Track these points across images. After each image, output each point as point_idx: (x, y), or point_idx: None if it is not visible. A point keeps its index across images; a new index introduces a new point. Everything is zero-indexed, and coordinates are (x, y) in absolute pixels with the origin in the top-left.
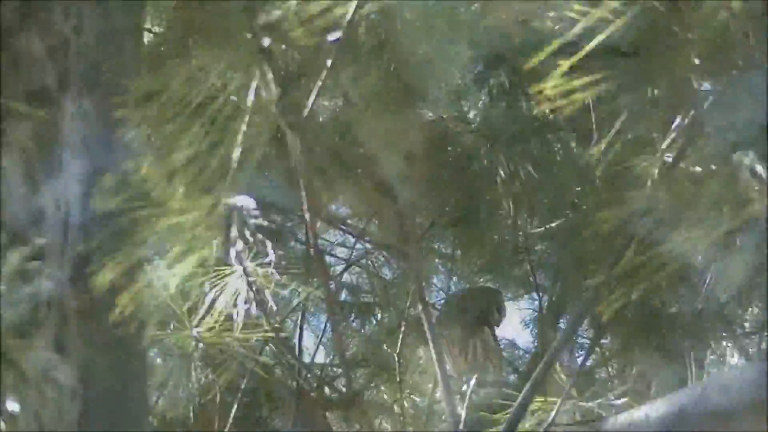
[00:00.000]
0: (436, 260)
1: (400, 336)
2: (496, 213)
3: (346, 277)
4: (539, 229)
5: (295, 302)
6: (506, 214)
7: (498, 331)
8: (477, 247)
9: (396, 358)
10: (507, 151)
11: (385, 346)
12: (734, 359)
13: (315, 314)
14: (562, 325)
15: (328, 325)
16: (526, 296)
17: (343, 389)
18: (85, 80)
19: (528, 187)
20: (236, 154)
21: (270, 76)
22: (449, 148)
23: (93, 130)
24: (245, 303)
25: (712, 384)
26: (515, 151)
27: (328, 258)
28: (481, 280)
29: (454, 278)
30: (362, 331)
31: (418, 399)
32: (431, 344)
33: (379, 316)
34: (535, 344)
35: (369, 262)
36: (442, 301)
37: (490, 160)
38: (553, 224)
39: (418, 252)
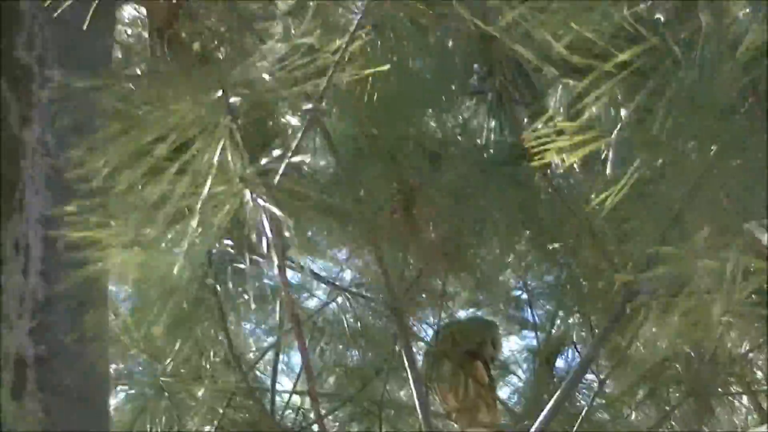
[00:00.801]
0: (424, 295)
1: (384, 374)
2: (489, 244)
3: (328, 310)
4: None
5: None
6: (501, 246)
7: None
8: (468, 280)
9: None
10: (500, 179)
11: (366, 386)
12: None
13: (291, 353)
14: (559, 363)
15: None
16: (519, 332)
17: None
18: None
19: (523, 216)
20: (195, 222)
21: (237, 138)
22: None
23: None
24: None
25: None
26: (509, 180)
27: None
28: (473, 311)
29: (444, 313)
30: (342, 367)
31: None
32: (413, 385)
33: (360, 352)
34: (527, 383)
35: (348, 303)
36: (432, 334)
37: (483, 188)
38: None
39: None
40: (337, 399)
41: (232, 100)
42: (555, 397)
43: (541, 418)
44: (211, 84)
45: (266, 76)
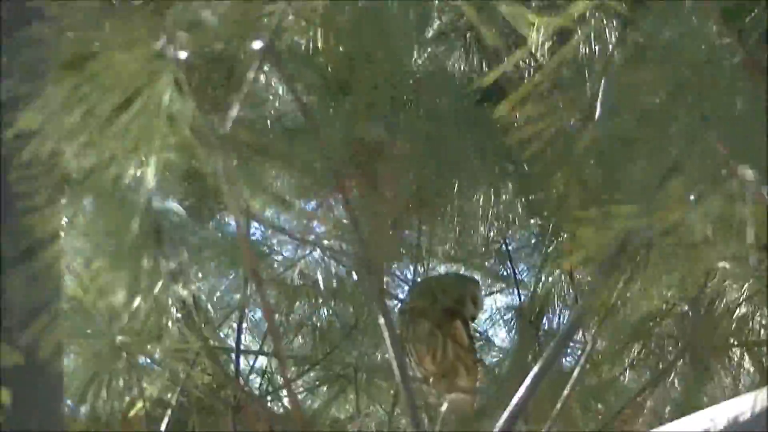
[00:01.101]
0: (400, 249)
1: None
2: (471, 193)
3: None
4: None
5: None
6: (484, 195)
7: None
8: (446, 232)
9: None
10: (478, 121)
11: (336, 347)
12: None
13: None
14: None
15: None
16: (502, 290)
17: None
18: None
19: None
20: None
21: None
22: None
23: None
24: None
25: (719, 416)
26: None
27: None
28: (453, 268)
29: (421, 268)
30: (312, 328)
31: (377, 411)
32: (389, 346)
33: (331, 311)
34: (513, 344)
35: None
36: (407, 291)
37: (459, 131)
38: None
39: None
40: (306, 361)
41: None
42: (542, 358)
43: (527, 382)
44: (154, 29)
45: (214, 16)
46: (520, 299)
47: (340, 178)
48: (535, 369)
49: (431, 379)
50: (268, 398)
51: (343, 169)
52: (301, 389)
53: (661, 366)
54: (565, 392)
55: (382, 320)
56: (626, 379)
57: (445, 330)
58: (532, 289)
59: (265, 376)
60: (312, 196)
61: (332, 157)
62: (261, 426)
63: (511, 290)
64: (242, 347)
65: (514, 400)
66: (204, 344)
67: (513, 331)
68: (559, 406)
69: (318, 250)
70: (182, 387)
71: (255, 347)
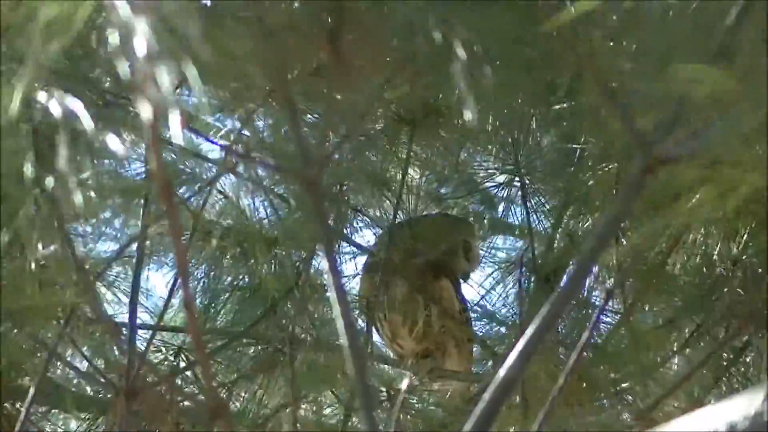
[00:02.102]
0: (364, 177)
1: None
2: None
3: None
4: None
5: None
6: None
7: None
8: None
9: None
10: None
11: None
12: None
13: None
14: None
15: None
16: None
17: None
18: None
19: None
20: None
21: None
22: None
23: None
24: None
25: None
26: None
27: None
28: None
29: (399, 206)
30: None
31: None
32: (339, 316)
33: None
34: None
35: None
36: (376, 238)
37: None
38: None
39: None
40: (228, 333)
41: None
42: (541, 313)
43: (519, 347)
44: None
45: None
46: (533, 251)
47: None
48: (530, 330)
49: (409, 360)
50: (178, 380)
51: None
52: (221, 368)
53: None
54: (570, 363)
55: (329, 275)
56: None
57: (428, 293)
58: (549, 234)
59: (179, 352)
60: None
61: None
62: (160, 416)
63: (519, 238)
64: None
65: (502, 371)
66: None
67: (521, 294)
68: (560, 383)
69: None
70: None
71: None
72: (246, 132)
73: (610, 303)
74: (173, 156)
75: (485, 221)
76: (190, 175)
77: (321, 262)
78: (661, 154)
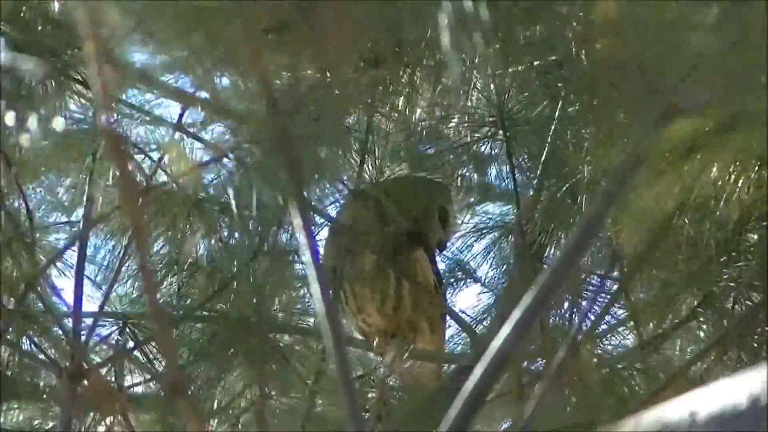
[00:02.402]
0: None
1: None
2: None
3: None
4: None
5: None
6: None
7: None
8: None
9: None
10: None
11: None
12: None
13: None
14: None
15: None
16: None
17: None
18: None
19: None
20: None
21: None
22: None
23: None
24: None
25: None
26: None
27: None
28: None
29: (369, 167)
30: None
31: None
32: (313, 280)
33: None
34: (503, 286)
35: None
36: (341, 202)
37: None
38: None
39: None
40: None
41: None
42: (540, 280)
43: (515, 316)
44: None
45: None
46: (519, 216)
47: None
48: (527, 299)
49: (376, 340)
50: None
51: None
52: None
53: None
54: (568, 340)
55: (301, 234)
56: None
57: (399, 264)
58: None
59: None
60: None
61: None
62: (110, 401)
63: (502, 201)
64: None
65: (490, 352)
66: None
67: (503, 265)
68: (554, 364)
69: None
70: None
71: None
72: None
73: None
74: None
75: (467, 184)
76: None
77: (290, 226)
78: (678, 102)
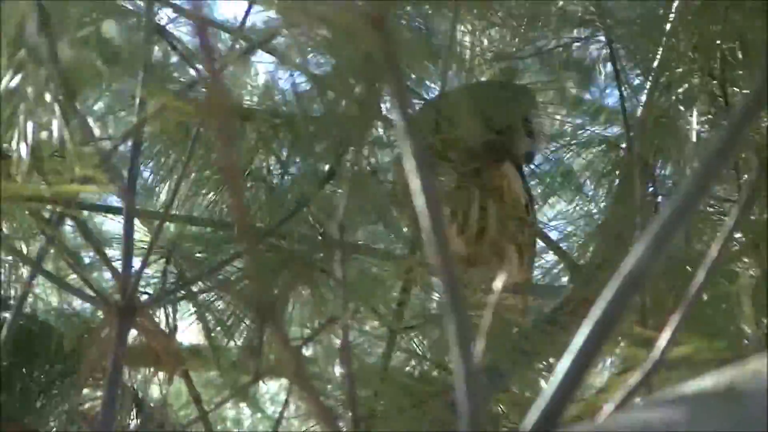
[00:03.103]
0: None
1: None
2: None
3: None
4: None
5: None
6: None
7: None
8: None
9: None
10: None
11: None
12: None
13: None
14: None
15: None
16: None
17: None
18: None
19: None
20: None
21: None
22: None
23: None
24: None
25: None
26: None
27: None
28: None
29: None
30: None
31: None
32: (413, 172)
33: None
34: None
35: None
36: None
37: None
38: None
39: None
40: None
41: None
42: (677, 195)
43: (654, 229)
44: None
45: None
46: (627, 126)
47: None
48: (666, 212)
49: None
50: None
51: None
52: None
53: None
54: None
55: (399, 119)
56: None
57: (483, 180)
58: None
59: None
60: None
61: None
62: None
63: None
64: None
65: (630, 262)
66: None
67: (608, 183)
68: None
69: None
70: None
71: None
72: None
73: None
74: None
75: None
76: None
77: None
78: None
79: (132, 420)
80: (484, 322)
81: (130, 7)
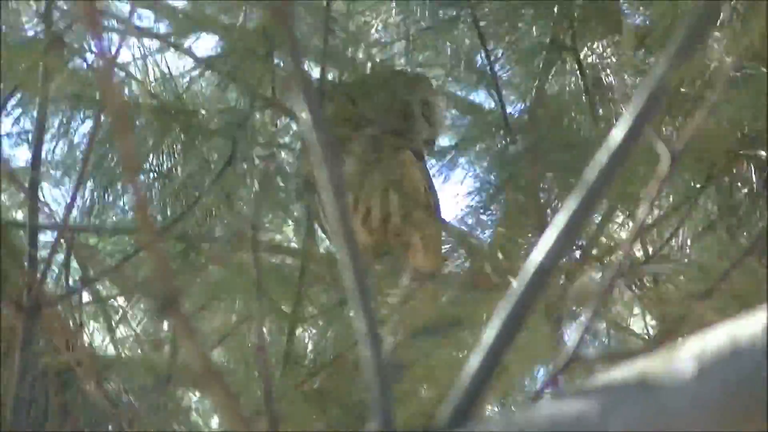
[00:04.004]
0: None
1: None
2: None
3: None
4: None
5: None
6: None
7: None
8: None
9: None
10: None
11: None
12: None
13: None
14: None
15: None
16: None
17: None
18: None
19: None
20: None
21: None
22: None
23: None
24: None
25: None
26: None
27: None
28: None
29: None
30: None
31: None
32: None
33: None
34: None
35: None
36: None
37: None
38: None
39: None
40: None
41: None
42: (583, 185)
43: (559, 221)
44: None
45: None
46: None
47: None
48: (569, 205)
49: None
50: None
51: None
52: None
53: None
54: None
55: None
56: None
57: (384, 168)
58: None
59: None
60: None
61: None
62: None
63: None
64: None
65: (536, 256)
66: None
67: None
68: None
69: None
70: None
71: None
72: None
73: None
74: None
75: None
76: None
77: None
78: None
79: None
80: (394, 313)
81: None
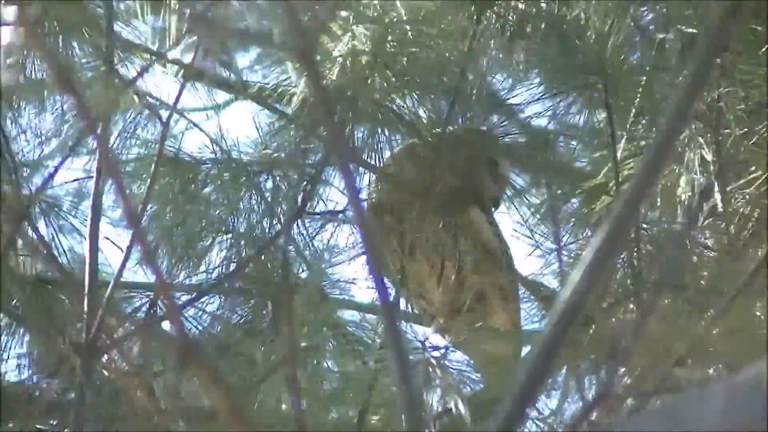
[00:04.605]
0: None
1: None
2: None
3: None
4: None
5: None
6: None
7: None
8: None
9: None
10: None
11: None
12: None
13: None
14: None
15: None
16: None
17: None
18: None
19: None
20: None
21: None
22: None
23: None
24: None
25: None
26: None
27: None
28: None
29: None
30: None
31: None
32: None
33: None
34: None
35: None
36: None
37: None
38: None
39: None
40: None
41: None
42: (608, 221)
43: (586, 258)
44: None
45: None
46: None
47: None
48: (599, 237)
49: (439, 320)
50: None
51: None
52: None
53: None
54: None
55: (346, 189)
56: None
57: (455, 228)
58: None
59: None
60: None
61: None
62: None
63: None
64: None
65: (565, 292)
66: None
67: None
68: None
69: None
70: None
71: None
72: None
73: None
74: None
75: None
76: None
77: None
78: None
79: None
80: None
81: None
